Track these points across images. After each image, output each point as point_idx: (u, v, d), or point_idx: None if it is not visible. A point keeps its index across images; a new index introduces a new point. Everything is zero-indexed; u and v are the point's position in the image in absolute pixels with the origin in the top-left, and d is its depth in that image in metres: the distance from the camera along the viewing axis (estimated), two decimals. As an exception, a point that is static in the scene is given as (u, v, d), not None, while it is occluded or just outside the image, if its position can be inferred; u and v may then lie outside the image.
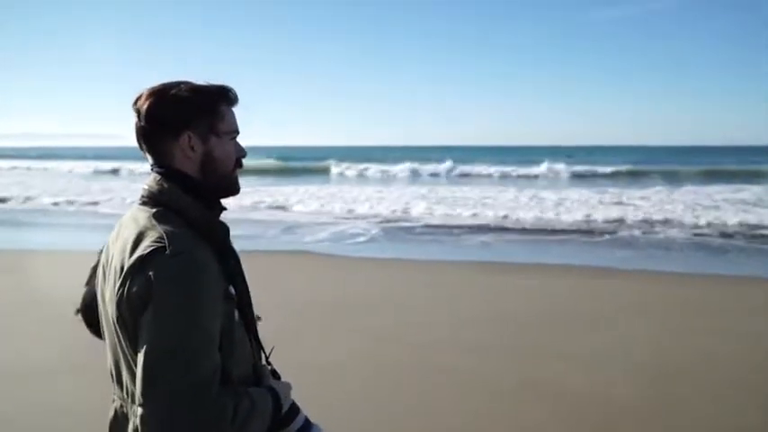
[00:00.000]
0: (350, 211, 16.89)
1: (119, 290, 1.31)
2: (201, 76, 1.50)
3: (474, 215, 15.71)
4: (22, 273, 8.46)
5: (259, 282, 2.83)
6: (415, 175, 33.19)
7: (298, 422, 1.61)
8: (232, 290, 1.41)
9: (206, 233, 1.39)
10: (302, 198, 20.20)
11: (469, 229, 13.91)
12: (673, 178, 27.87)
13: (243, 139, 1.57)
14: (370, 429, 4.06)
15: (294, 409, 1.62)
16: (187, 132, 1.43)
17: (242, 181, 1.58)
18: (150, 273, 1.27)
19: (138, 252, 1.31)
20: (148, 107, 1.42)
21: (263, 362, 1.63)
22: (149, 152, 1.47)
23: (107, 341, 1.49)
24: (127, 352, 1.36)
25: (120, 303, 1.31)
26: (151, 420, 1.22)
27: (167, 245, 1.29)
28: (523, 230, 13.69)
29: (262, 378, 1.54)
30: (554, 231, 13.49)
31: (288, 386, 1.61)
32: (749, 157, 48.36)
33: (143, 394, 1.23)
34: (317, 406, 2.45)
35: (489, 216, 15.40)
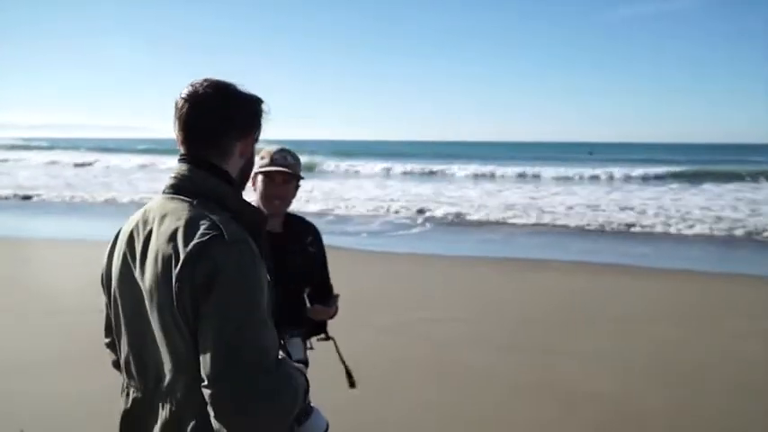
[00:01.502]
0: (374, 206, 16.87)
1: (178, 277, 1.32)
2: (223, 71, 1.54)
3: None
4: None
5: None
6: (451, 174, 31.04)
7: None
8: (267, 274, 1.45)
9: (245, 221, 1.45)
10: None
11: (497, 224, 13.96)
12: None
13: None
14: (385, 422, 4.06)
15: None
16: (251, 136, 1.54)
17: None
18: (214, 258, 1.31)
19: (196, 239, 1.33)
20: (223, 105, 1.48)
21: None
22: (205, 145, 1.49)
23: (127, 331, 1.49)
24: (176, 338, 1.36)
25: (182, 290, 1.32)
26: (227, 398, 1.26)
27: (224, 232, 1.34)
28: (551, 227, 13.64)
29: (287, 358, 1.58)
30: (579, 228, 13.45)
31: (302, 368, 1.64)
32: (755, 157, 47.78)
33: (218, 374, 1.27)
34: (335, 398, 2.45)
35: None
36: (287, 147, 2.50)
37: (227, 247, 1.32)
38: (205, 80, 1.49)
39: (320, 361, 2.54)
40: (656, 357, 5.37)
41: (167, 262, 1.35)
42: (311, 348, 2.57)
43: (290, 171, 2.45)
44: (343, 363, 2.61)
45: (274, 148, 2.46)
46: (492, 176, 30.02)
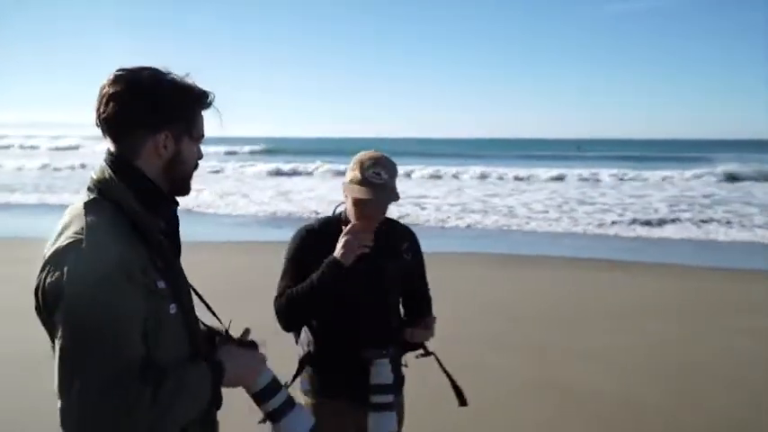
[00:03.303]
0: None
1: (38, 279, 1.29)
2: (201, 65, 1.48)
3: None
4: None
5: (266, 274, 2.73)
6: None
7: (278, 399, 1.54)
8: (162, 284, 1.36)
9: (140, 228, 1.36)
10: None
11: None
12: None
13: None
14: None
15: (274, 387, 1.54)
16: (165, 131, 1.39)
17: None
18: (63, 267, 1.24)
19: (59, 242, 1.29)
20: (131, 95, 1.36)
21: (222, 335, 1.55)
22: (113, 140, 1.40)
23: None
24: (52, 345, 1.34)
25: (37, 294, 1.29)
26: (66, 414, 1.23)
27: (83, 238, 1.27)
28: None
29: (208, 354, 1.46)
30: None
31: (251, 356, 1.52)
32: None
33: (58, 389, 1.23)
34: (432, 420, 2.39)
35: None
36: (383, 154, 2.19)
37: (79, 255, 1.25)
38: (118, 69, 1.38)
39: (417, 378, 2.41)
40: (653, 353, 5.34)
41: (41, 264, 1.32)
42: (405, 366, 2.40)
43: (383, 202, 2.15)
44: (451, 379, 2.38)
45: (366, 159, 2.15)
46: (459, 176, 27.58)
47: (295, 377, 2.23)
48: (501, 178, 26.28)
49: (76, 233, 1.28)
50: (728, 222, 13.43)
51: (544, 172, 27.27)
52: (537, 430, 4.04)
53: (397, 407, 2.26)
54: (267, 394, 1.53)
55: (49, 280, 1.26)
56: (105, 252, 1.26)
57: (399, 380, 2.33)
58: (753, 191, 20.40)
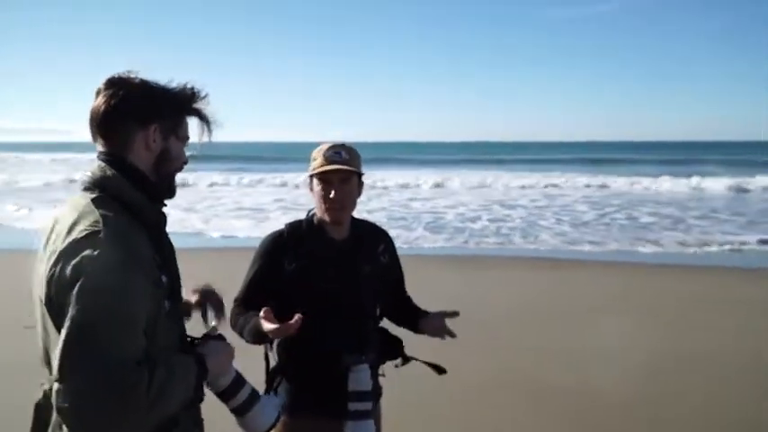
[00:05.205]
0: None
1: (50, 270, 1.32)
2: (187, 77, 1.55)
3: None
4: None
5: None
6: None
7: (243, 394, 1.61)
8: (164, 278, 1.44)
9: (144, 221, 1.44)
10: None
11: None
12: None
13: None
14: None
15: (239, 382, 1.61)
16: (155, 124, 1.48)
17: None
18: (82, 255, 1.30)
19: (74, 235, 1.33)
20: (127, 91, 1.45)
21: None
22: (104, 137, 1.47)
23: (38, 325, 1.47)
24: (54, 333, 1.35)
25: (51, 284, 1.32)
26: (65, 394, 1.24)
27: (102, 229, 1.33)
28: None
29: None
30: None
31: (220, 347, 1.56)
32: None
33: (60, 369, 1.25)
34: None
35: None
36: (344, 142, 2.17)
37: (99, 245, 1.31)
38: (111, 75, 1.48)
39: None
40: (624, 351, 5.32)
41: (50, 257, 1.36)
42: (383, 375, 2.29)
43: (346, 167, 2.10)
44: (425, 362, 2.38)
45: (326, 145, 2.15)
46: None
47: (268, 390, 2.08)
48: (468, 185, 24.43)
49: (91, 225, 1.34)
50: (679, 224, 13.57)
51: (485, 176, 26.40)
52: (509, 430, 4.01)
53: (375, 417, 2.17)
54: (233, 390, 1.59)
55: (66, 270, 1.29)
56: (123, 242, 1.33)
57: (377, 390, 2.24)
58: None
